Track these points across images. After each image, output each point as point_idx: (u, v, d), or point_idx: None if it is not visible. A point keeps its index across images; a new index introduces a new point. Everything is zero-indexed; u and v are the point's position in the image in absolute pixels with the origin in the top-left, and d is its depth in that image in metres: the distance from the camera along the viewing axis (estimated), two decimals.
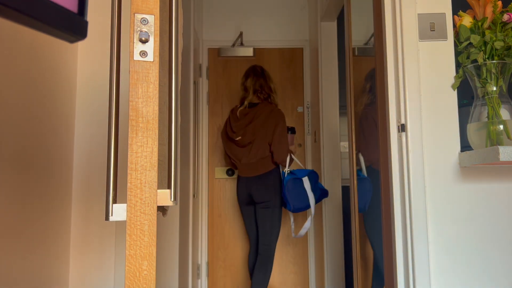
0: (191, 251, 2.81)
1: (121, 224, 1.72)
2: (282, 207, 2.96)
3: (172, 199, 0.83)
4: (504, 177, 1.64)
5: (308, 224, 2.91)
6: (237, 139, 2.95)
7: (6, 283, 1.28)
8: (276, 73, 3.70)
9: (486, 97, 1.55)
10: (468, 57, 1.60)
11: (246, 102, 2.97)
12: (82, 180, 1.74)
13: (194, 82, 3.08)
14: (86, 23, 0.52)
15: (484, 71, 1.55)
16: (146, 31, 0.82)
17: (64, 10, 0.48)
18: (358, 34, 2.49)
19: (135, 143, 0.80)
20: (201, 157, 3.55)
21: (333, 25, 3.28)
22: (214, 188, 3.62)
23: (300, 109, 3.73)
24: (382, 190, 1.80)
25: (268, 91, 2.99)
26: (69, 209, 1.72)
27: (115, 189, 0.83)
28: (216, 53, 3.74)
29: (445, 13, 1.70)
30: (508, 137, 1.49)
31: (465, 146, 1.65)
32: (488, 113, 1.54)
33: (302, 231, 2.95)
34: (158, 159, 0.82)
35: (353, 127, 2.35)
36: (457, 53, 1.67)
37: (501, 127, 1.50)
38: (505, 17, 1.55)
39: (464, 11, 1.64)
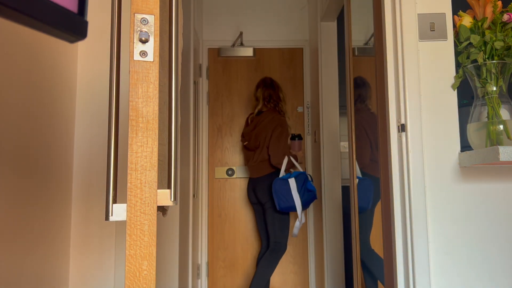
0: (191, 251, 2.81)
1: (121, 224, 1.72)
2: None
3: (172, 199, 0.83)
4: (504, 177, 1.64)
5: (297, 223, 3.07)
6: (245, 143, 3.29)
7: (6, 283, 1.28)
8: (276, 73, 3.70)
9: (486, 97, 1.55)
10: (468, 57, 1.60)
11: (255, 110, 3.26)
12: (82, 180, 1.74)
13: (194, 82, 3.09)
14: (86, 23, 0.52)
15: (484, 71, 1.55)
16: (146, 31, 0.82)
17: (64, 10, 0.48)
18: (358, 34, 2.49)
19: (135, 143, 0.80)
20: (201, 157, 3.55)
21: (333, 25, 3.28)
22: (214, 188, 3.62)
23: (300, 109, 3.73)
24: (382, 190, 1.80)
25: (276, 99, 3.23)
26: (69, 209, 1.72)
27: (115, 189, 0.83)
28: (216, 53, 3.74)
29: (445, 13, 1.70)
30: (508, 137, 1.49)
31: (465, 146, 1.65)
32: (488, 113, 1.54)
33: (295, 231, 3.10)
34: (158, 159, 0.82)
35: (353, 127, 2.35)
36: (457, 53, 1.66)
37: (501, 127, 1.50)
38: (505, 17, 1.55)
39: (464, 11, 1.64)
